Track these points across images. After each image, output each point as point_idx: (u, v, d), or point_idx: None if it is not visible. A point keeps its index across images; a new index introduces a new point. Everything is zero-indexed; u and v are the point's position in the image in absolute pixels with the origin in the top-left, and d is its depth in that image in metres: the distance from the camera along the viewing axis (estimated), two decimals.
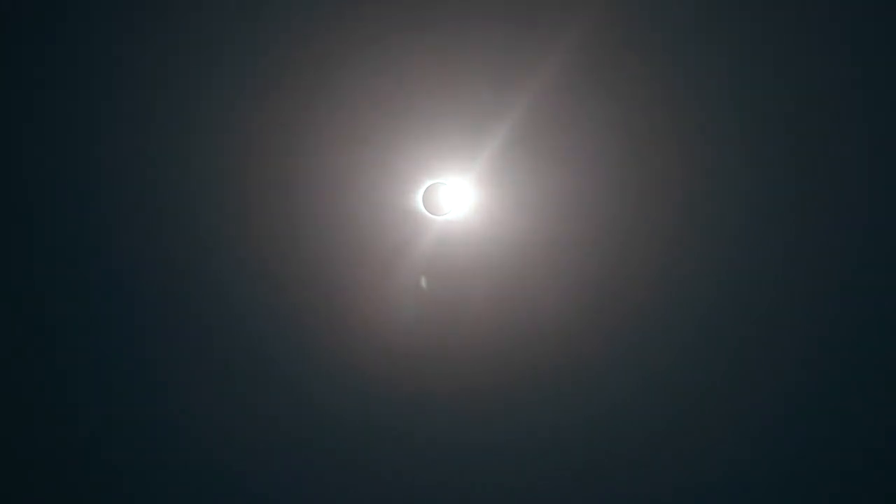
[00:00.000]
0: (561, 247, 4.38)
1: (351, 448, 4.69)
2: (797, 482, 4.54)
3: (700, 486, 4.59)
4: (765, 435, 4.55)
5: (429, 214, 4.38)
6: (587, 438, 4.62)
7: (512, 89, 4.22)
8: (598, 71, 4.25)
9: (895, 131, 4.30)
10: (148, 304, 4.51)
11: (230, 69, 4.18)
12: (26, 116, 4.26)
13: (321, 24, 4.15)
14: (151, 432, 4.63)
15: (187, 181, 4.32)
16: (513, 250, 4.40)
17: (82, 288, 4.48)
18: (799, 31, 4.25)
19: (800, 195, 4.32)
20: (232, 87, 4.20)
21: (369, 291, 4.47)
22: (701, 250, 4.38)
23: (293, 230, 4.39)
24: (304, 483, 4.72)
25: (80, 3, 4.12)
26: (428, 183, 4.35)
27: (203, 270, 4.47)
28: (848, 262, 4.37)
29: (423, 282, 4.46)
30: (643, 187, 4.32)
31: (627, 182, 4.32)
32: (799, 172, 4.31)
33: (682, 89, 4.26)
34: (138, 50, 4.16)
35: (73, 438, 4.61)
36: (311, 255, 4.43)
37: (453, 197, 4.36)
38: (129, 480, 4.64)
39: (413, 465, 4.68)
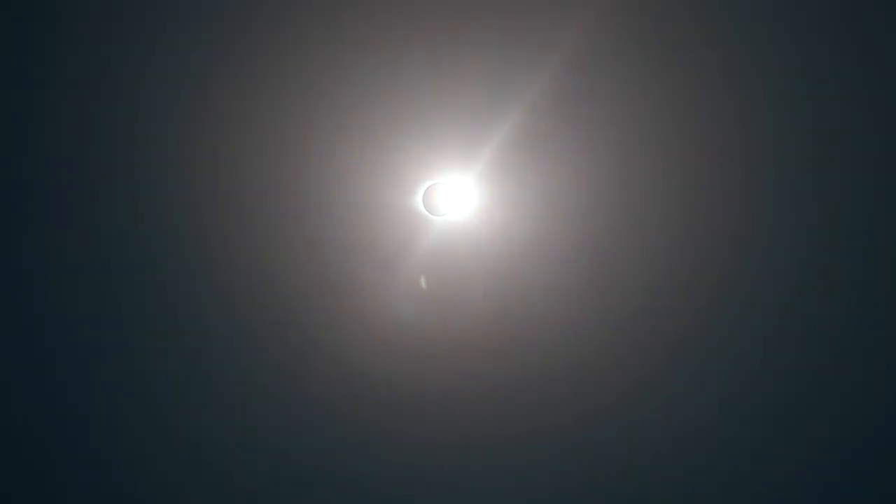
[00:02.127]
0: (561, 247, 4.37)
1: (350, 448, 4.69)
2: None
3: None
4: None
5: (429, 215, 4.37)
6: (586, 438, 4.61)
7: (512, 89, 4.21)
8: (599, 70, 4.24)
9: None
10: (145, 304, 4.51)
11: (229, 70, 4.17)
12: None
13: (320, 25, 4.15)
14: (142, 437, 4.64)
15: (186, 181, 4.31)
16: (513, 251, 4.40)
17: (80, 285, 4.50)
18: (807, 28, 4.23)
19: (806, 197, 4.31)
20: (231, 87, 4.20)
21: (369, 291, 4.46)
22: (704, 251, 4.37)
23: (293, 231, 4.39)
24: (302, 483, 4.72)
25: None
26: (428, 183, 4.34)
27: (201, 270, 4.47)
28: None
29: (423, 282, 4.46)
30: (645, 188, 4.31)
31: (629, 182, 4.31)
32: (807, 174, 4.30)
33: (686, 89, 4.24)
34: (134, 51, 4.16)
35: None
36: (311, 256, 4.42)
37: (453, 197, 4.36)
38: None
39: (412, 465, 4.68)
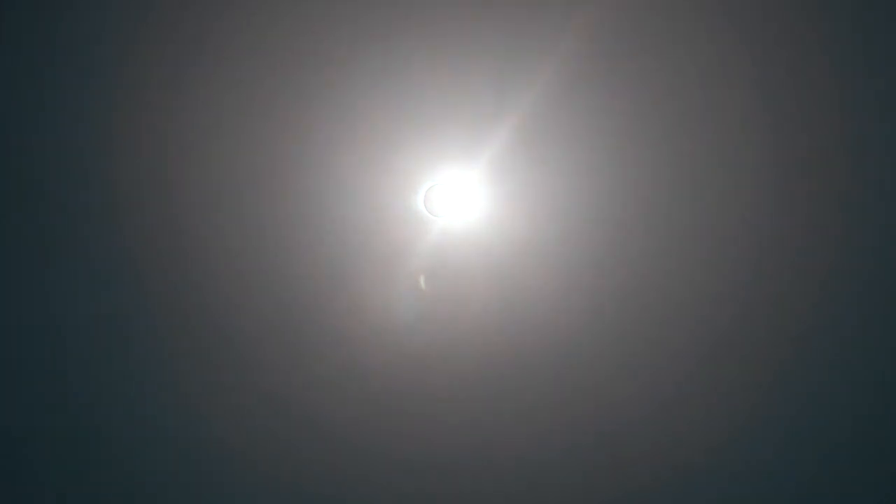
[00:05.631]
0: (563, 249, 4.34)
1: (350, 449, 4.67)
2: None
3: None
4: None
5: (430, 215, 4.33)
6: (586, 443, 4.60)
7: (515, 89, 4.16)
8: (603, 69, 4.20)
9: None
10: (143, 305, 4.46)
11: (229, 69, 4.10)
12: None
13: (321, 24, 4.08)
14: (139, 435, 4.60)
15: (186, 181, 4.25)
16: (514, 252, 4.36)
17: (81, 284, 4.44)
18: (806, 30, 4.20)
19: (810, 197, 4.29)
20: (231, 86, 4.13)
21: (370, 293, 4.42)
22: (709, 251, 4.35)
23: (293, 231, 4.34)
24: (300, 484, 4.69)
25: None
26: (429, 184, 4.30)
27: (201, 271, 4.41)
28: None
29: (423, 281, 4.42)
30: (649, 188, 4.28)
31: (633, 183, 4.28)
32: (808, 175, 4.28)
33: (690, 89, 4.21)
34: (139, 49, 4.08)
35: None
36: (311, 257, 4.38)
37: (455, 198, 4.31)
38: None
39: (411, 467, 4.66)
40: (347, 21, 4.06)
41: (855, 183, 4.28)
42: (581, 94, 4.22)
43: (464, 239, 4.38)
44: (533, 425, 4.63)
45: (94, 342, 4.49)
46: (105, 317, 4.44)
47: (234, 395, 4.56)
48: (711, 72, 4.23)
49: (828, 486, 4.58)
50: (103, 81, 4.11)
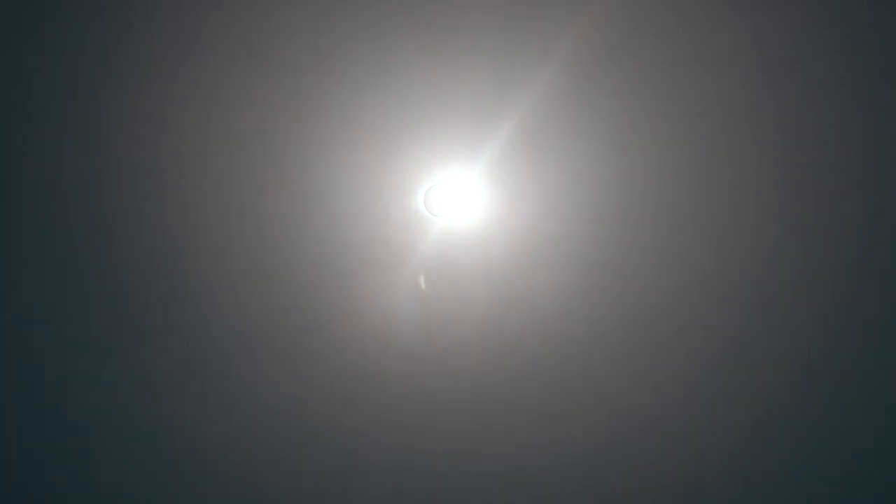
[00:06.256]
0: (563, 249, 4.34)
1: (349, 449, 4.66)
2: None
3: None
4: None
5: (430, 215, 4.33)
6: (588, 443, 4.60)
7: (516, 88, 4.16)
8: (604, 69, 4.19)
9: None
10: (145, 305, 4.46)
11: (229, 68, 4.10)
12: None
13: (320, 23, 4.08)
14: (140, 435, 4.59)
15: (185, 182, 4.25)
16: (514, 252, 4.36)
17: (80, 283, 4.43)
18: (806, 30, 4.20)
19: (810, 197, 4.29)
20: (230, 86, 4.13)
21: (369, 293, 4.42)
22: (711, 251, 4.35)
23: (292, 232, 4.34)
24: (301, 485, 4.69)
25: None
26: (429, 184, 4.30)
27: (201, 271, 4.41)
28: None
29: (423, 281, 4.42)
30: (651, 188, 4.28)
31: (634, 183, 4.27)
32: (814, 173, 4.27)
33: (692, 89, 4.20)
34: (135, 48, 4.08)
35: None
36: (311, 257, 4.38)
37: (455, 198, 4.31)
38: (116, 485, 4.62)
39: (410, 468, 4.66)
40: (347, 21, 4.06)
41: (863, 180, 4.28)
42: (581, 94, 4.21)
43: (464, 239, 4.37)
44: (533, 426, 4.62)
45: (92, 343, 4.49)
46: (101, 318, 4.44)
47: (231, 394, 4.55)
48: (713, 71, 4.23)
49: (838, 489, 4.57)
50: (100, 80, 4.12)
